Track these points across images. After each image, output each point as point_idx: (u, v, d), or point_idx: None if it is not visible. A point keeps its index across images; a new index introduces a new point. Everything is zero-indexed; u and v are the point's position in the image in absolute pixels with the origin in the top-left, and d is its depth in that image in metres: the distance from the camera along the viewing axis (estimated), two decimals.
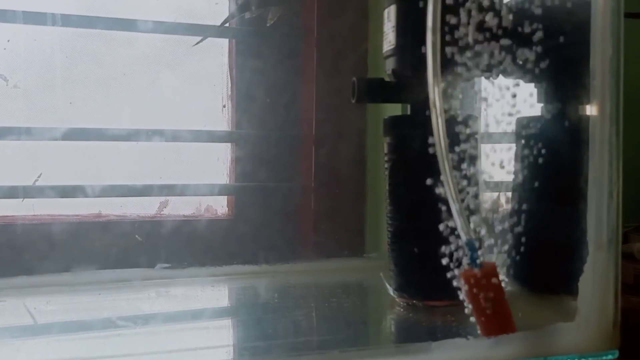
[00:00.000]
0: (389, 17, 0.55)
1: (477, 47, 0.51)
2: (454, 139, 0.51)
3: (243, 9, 0.74)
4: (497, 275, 0.44)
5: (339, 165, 0.81)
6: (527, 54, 0.52)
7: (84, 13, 0.74)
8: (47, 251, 0.69)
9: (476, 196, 0.52)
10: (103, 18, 0.74)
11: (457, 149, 0.51)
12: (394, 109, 0.68)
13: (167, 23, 0.77)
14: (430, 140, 0.45)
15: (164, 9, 0.78)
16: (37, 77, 0.74)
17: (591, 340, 0.44)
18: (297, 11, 0.75)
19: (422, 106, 0.48)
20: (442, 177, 0.44)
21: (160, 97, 0.79)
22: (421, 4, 0.46)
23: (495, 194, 0.61)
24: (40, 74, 0.74)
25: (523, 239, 0.55)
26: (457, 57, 0.51)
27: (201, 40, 0.76)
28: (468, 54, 0.51)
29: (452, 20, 0.50)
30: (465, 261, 0.45)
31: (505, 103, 0.53)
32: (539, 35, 0.52)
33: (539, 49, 0.52)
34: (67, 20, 0.72)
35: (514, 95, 0.51)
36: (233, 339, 0.55)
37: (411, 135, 0.55)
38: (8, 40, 0.72)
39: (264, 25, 0.77)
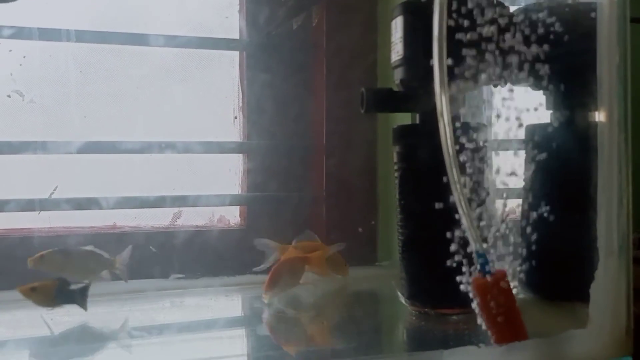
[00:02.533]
0: (397, 28, 0.56)
1: (485, 56, 0.51)
2: (463, 147, 0.51)
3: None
4: (508, 283, 0.44)
5: (349, 175, 0.81)
6: (535, 62, 0.52)
7: (98, 29, 0.75)
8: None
9: (486, 204, 0.52)
10: (116, 33, 0.76)
11: (466, 157, 0.51)
12: (405, 119, 0.68)
13: (179, 37, 0.78)
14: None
15: (176, 23, 0.79)
16: (53, 92, 0.75)
17: (604, 347, 0.44)
18: (306, 24, 0.76)
19: (430, 115, 0.48)
20: (451, 186, 0.45)
21: (173, 109, 0.80)
22: (428, 14, 0.46)
23: (506, 202, 0.61)
24: (56, 89, 0.75)
25: (534, 247, 0.55)
26: (465, 66, 0.51)
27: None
28: (475, 63, 0.51)
29: (460, 29, 0.50)
30: (476, 269, 0.45)
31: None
32: (546, 43, 0.52)
33: (546, 57, 0.52)
34: (81, 36, 0.74)
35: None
36: (246, 349, 0.56)
37: (420, 144, 0.55)
38: (24, 57, 0.73)
39: (274, 38, 0.78)
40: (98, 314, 0.63)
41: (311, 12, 0.73)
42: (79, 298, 0.57)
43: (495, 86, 0.55)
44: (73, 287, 0.58)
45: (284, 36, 0.76)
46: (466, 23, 0.50)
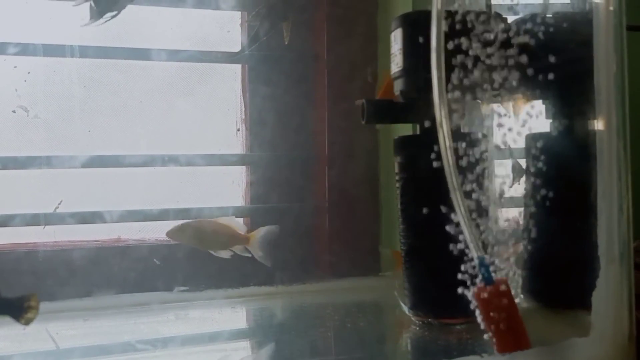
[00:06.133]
0: (396, 40, 0.57)
1: (484, 67, 0.52)
2: (463, 157, 0.51)
3: (258, 36, 0.76)
4: (509, 292, 0.44)
5: (352, 185, 0.82)
6: (533, 73, 0.53)
7: (101, 44, 0.76)
8: (68, 277, 0.70)
9: (487, 213, 0.52)
10: (119, 48, 0.77)
11: (467, 167, 0.51)
12: (406, 129, 0.69)
13: (181, 51, 0.78)
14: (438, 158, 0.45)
15: (179, 37, 0.80)
16: (57, 108, 0.76)
17: (607, 354, 0.44)
18: (305, 36, 0.77)
19: (430, 126, 0.48)
20: (451, 196, 0.45)
21: (176, 122, 0.80)
22: (427, 26, 0.46)
23: (507, 210, 0.61)
24: (60, 104, 0.76)
25: (535, 255, 0.55)
26: (465, 77, 0.51)
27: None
28: (475, 73, 0.51)
29: (459, 41, 0.51)
30: (478, 278, 0.45)
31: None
32: (544, 53, 0.53)
33: (544, 67, 0.52)
34: (85, 52, 0.75)
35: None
36: None
37: (420, 154, 0.55)
38: (29, 72, 0.74)
39: (276, 50, 0.79)
40: (103, 327, 0.64)
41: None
42: (13, 310, 0.48)
43: (494, 96, 0.55)
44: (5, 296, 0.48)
45: (285, 49, 0.77)
46: (464, 35, 0.51)
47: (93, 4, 0.65)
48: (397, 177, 0.59)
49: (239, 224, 0.69)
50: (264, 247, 0.69)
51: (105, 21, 0.66)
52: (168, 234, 0.67)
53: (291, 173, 0.83)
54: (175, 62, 0.80)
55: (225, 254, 0.68)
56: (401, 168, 0.59)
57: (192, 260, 0.75)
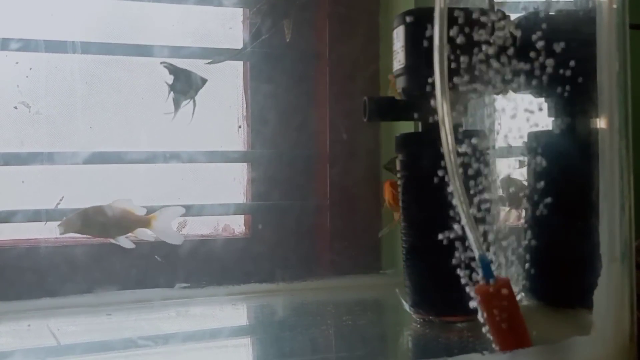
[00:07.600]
0: (398, 37, 0.56)
1: (486, 64, 0.52)
2: (465, 154, 0.51)
3: (259, 34, 0.76)
4: (511, 290, 0.45)
5: (353, 183, 0.82)
6: (536, 70, 0.53)
7: (103, 40, 0.76)
8: (69, 273, 0.70)
9: (489, 211, 0.52)
10: (121, 45, 0.77)
11: (468, 164, 0.51)
12: (408, 127, 0.69)
13: (184, 48, 0.78)
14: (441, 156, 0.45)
15: (181, 34, 0.80)
16: (58, 104, 0.76)
17: (607, 354, 0.44)
18: (307, 35, 0.76)
19: (432, 123, 0.48)
20: (453, 193, 0.45)
21: (178, 119, 0.80)
22: (429, 23, 0.47)
23: (508, 209, 0.61)
24: (61, 101, 0.76)
25: (537, 253, 0.55)
26: (467, 74, 0.51)
27: (215, 62, 0.78)
28: (477, 71, 0.51)
29: (461, 38, 0.51)
30: (479, 277, 0.45)
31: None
32: (547, 51, 0.53)
33: (548, 65, 0.52)
34: (87, 48, 0.75)
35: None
36: (251, 357, 0.56)
37: (422, 152, 0.56)
38: (30, 69, 0.74)
39: (277, 48, 0.79)
40: (104, 323, 0.64)
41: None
42: None
43: (497, 94, 0.55)
44: None
45: (286, 47, 0.77)
46: (467, 32, 0.51)
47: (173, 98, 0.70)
48: (398, 175, 0.59)
49: (136, 207, 0.65)
50: (168, 229, 0.66)
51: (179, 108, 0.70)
52: (59, 227, 0.62)
53: (293, 171, 0.83)
54: (177, 59, 0.80)
55: (126, 242, 0.64)
56: (403, 166, 0.59)
57: (193, 257, 0.76)
